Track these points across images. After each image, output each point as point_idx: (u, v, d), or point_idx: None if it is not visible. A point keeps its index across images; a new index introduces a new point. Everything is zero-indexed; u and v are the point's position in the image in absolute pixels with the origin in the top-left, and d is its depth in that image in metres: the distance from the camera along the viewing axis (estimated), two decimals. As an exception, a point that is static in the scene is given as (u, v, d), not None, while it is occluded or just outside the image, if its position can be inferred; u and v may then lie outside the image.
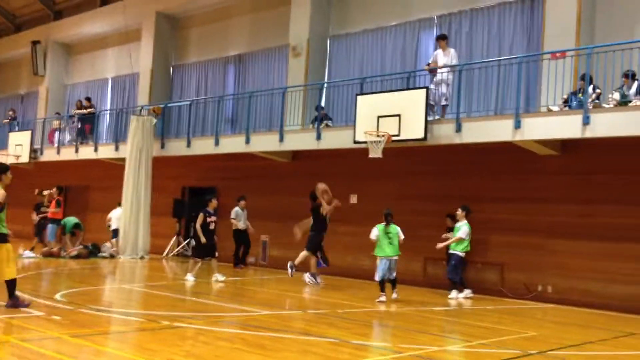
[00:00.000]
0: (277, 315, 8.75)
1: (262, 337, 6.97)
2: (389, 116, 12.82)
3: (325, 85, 16.35)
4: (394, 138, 12.71)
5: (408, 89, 13.26)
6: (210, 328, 7.37)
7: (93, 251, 16.89)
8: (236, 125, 18.41)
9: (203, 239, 12.28)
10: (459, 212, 11.93)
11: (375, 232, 10.95)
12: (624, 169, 11.41)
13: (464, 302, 11.28)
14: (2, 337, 6.44)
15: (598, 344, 7.66)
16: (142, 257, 17.00)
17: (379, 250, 10.90)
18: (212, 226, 12.61)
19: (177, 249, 18.34)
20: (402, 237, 10.97)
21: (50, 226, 16.78)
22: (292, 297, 11.28)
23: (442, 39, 13.14)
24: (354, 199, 15.08)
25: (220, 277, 12.40)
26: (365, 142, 13.06)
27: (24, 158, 21.40)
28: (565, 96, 11.47)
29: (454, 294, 11.68)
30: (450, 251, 11.87)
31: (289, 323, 8.15)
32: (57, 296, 9.21)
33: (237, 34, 19.35)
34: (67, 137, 21.74)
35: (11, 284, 7.92)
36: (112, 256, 16.87)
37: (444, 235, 12.31)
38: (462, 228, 11.76)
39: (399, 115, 12.71)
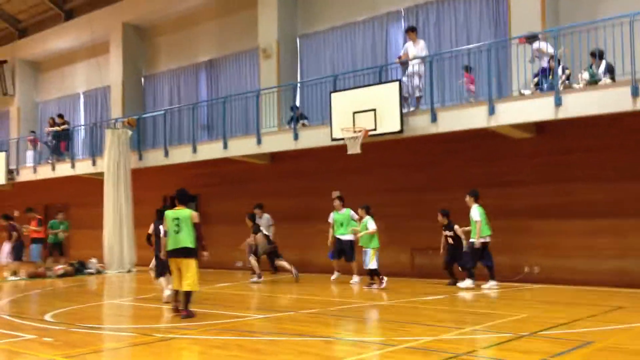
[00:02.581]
0: (270, 318, 8.77)
1: (256, 342, 7.00)
2: (364, 111, 12.94)
3: (298, 85, 16.38)
4: (370, 133, 12.82)
5: (381, 83, 13.36)
6: (204, 337, 7.37)
7: (79, 268, 16.75)
8: (212, 131, 18.36)
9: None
10: (467, 198, 11.50)
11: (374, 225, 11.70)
12: (597, 146, 11.65)
13: (457, 291, 11.24)
14: (-5, 364, 6.39)
15: (588, 320, 7.81)
16: (129, 271, 16.89)
17: (377, 242, 11.68)
18: None
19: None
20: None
21: (34, 246, 16.58)
22: (281, 298, 11.32)
23: (411, 31, 13.25)
24: (335, 195, 15.11)
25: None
26: (342, 139, 13.14)
27: (1, 180, 21.11)
28: (536, 79, 11.65)
29: (466, 282, 11.29)
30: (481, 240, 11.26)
31: (282, 325, 8.18)
32: (47, 317, 9.13)
33: (206, 39, 19.28)
34: (31, 156, 21.47)
35: (185, 297, 8.80)
36: (98, 272, 16.75)
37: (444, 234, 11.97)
38: (473, 212, 11.27)
39: (374, 110, 12.82)
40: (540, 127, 12.17)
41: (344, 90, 13.80)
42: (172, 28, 20.21)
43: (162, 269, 10.44)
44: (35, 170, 21.06)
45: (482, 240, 11.18)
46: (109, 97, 21.22)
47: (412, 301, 10.09)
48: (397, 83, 12.70)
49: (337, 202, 13.22)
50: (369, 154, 13.33)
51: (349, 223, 12.91)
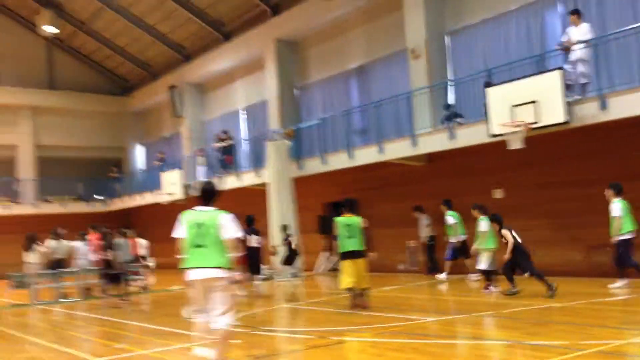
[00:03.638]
0: (442, 321, 8.73)
1: (432, 345, 7.01)
2: (523, 104, 12.43)
3: (451, 83, 16.10)
4: (532, 126, 12.28)
5: (540, 72, 12.74)
6: (379, 340, 7.52)
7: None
8: (367, 136, 18.64)
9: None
10: (608, 191, 10.90)
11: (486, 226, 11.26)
12: None
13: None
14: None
15: None
16: (297, 276, 17.66)
17: (491, 243, 11.31)
18: None
19: (327, 265, 18.83)
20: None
21: None
22: (450, 301, 11.20)
23: (573, 14, 12.48)
24: (498, 194, 14.70)
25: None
26: (502, 135, 12.73)
27: (179, 195, 23.13)
28: None
29: (617, 283, 10.64)
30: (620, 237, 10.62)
31: (456, 328, 8.12)
32: (231, 321, 9.84)
33: (354, 46, 19.64)
34: (202, 171, 23.23)
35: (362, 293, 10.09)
36: (269, 278, 17.69)
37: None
38: (614, 207, 10.66)
39: (534, 102, 12.27)
40: None
41: (500, 84, 13.34)
42: (321, 39, 20.85)
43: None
44: (206, 184, 22.76)
45: (623, 237, 10.48)
46: (267, 110, 22.38)
47: (592, 302, 9.48)
48: (559, 71, 12.04)
49: (442, 207, 14.29)
50: (531, 148, 12.77)
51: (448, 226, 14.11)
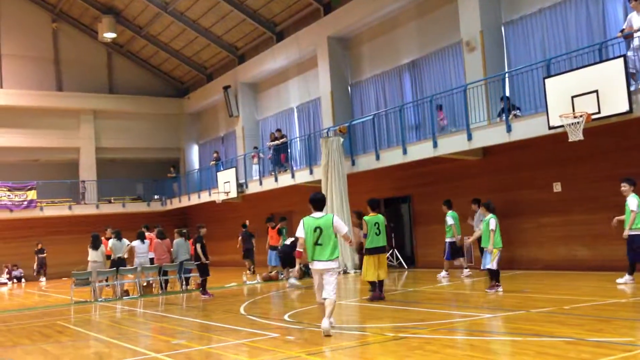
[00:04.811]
0: (500, 318, 8.52)
1: (491, 342, 6.84)
2: (584, 94, 12.01)
3: (507, 74, 15.71)
4: (593, 116, 11.85)
5: (602, 61, 12.27)
6: (435, 336, 7.40)
7: (306, 272, 17.88)
8: (421, 131, 18.41)
9: None
10: (625, 186, 10.82)
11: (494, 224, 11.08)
12: None
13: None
14: None
15: None
16: (347, 272, 17.60)
17: (498, 241, 11.09)
18: None
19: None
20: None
21: (273, 252, 18.18)
22: (509, 297, 10.91)
23: (634, 0, 11.97)
24: (557, 187, 14.27)
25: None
26: (561, 126, 12.33)
27: (233, 193, 23.46)
28: None
29: (624, 278, 10.71)
30: (631, 232, 10.68)
31: (515, 324, 7.90)
32: (286, 317, 9.91)
33: (407, 41, 19.43)
34: (257, 170, 23.48)
35: (380, 284, 11.13)
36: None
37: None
38: (631, 201, 10.65)
39: (595, 92, 11.83)
40: None
41: (559, 74, 12.91)
42: (373, 35, 20.71)
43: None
44: (261, 182, 23.03)
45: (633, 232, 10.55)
46: (320, 108, 22.40)
47: (660, 298, 9.07)
48: (622, 59, 11.56)
49: (443, 207, 14.70)
50: (592, 139, 12.33)
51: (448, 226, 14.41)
